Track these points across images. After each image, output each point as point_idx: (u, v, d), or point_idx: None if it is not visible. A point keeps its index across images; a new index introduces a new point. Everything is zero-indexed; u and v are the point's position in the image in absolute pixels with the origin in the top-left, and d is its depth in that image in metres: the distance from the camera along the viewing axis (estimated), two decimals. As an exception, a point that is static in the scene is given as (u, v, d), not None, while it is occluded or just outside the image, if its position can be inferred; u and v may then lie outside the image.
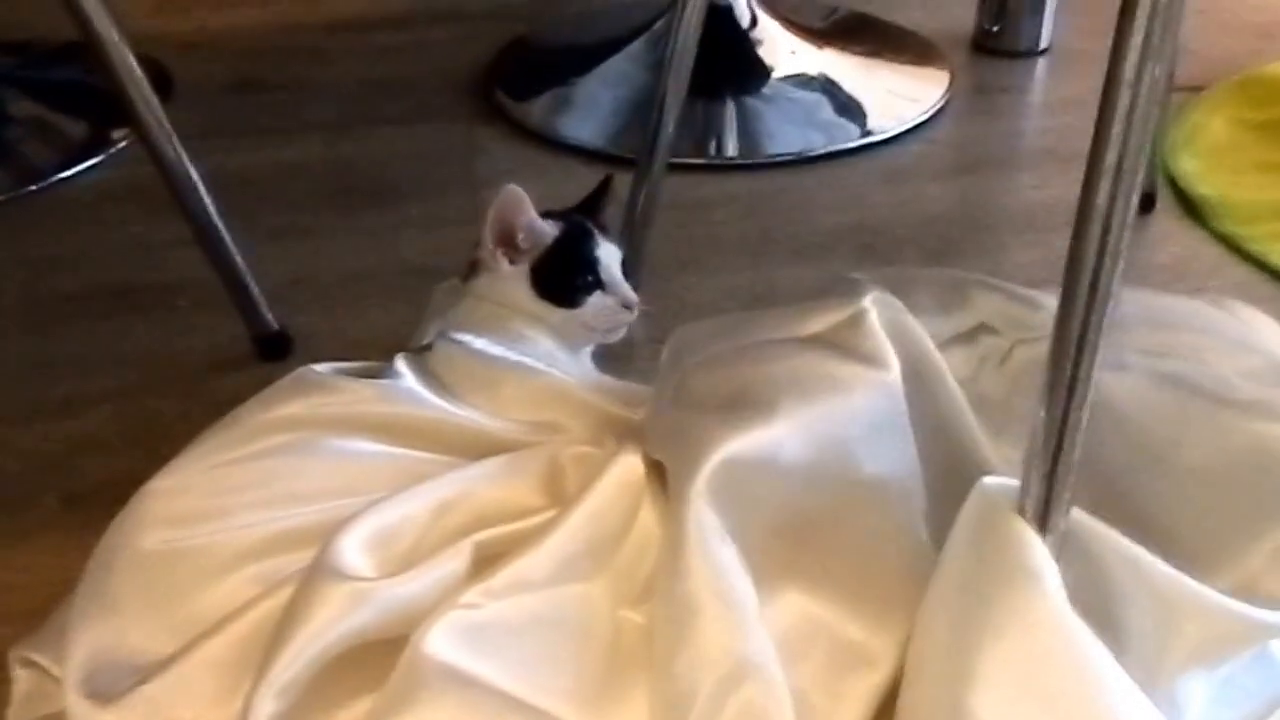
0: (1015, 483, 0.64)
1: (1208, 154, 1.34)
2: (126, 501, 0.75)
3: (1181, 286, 1.13)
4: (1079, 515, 0.64)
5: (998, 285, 0.90)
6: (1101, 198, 0.55)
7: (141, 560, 0.73)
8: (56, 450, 0.96)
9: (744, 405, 0.72)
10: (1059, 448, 0.59)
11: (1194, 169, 1.31)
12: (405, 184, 1.32)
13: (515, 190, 0.91)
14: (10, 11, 1.61)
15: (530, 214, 0.91)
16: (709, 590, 0.66)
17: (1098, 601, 0.64)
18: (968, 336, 0.87)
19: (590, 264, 0.92)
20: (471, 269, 0.93)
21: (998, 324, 0.88)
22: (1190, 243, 1.21)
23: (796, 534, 0.71)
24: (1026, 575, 0.61)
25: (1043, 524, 0.62)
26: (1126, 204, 0.55)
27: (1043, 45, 1.59)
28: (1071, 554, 0.63)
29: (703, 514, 0.68)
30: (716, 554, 0.67)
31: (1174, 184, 1.29)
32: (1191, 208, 1.25)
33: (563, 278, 0.91)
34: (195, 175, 1.00)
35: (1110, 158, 0.54)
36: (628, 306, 0.92)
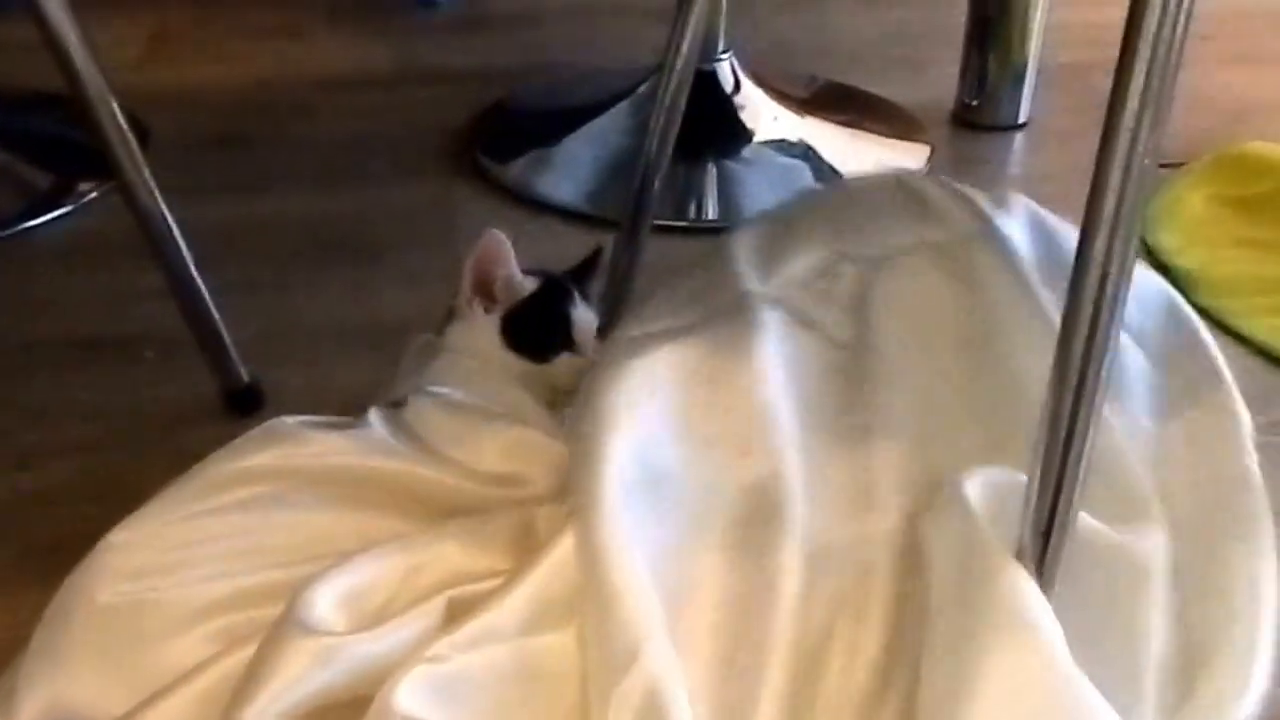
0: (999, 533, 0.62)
1: (1187, 229, 1.35)
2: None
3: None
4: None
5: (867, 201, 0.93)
6: (1099, 247, 0.54)
7: (98, 614, 0.70)
8: (15, 503, 0.92)
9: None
10: (1055, 501, 0.57)
11: (1173, 243, 1.31)
12: (384, 241, 1.31)
13: (497, 235, 0.90)
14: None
15: (511, 263, 0.91)
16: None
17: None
18: (826, 269, 0.87)
19: (563, 322, 0.91)
20: (447, 318, 0.92)
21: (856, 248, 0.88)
22: (1172, 314, 1.21)
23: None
24: (1024, 628, 0.60)
25: (1039, 571, 0.61)
26: (1125, 253, 0.54)
27: (1021, 120, 1.61)
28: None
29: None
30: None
31: (1154, 257, 1.30)
32: (1172, 280, 1.25)
33: (533, 332, 0.90)
34: (173, 225, 0.98)
35: (1109, 205, 0.54)
36: None
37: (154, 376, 1.07)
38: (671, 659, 0.63)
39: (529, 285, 0.92)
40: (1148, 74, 0.52)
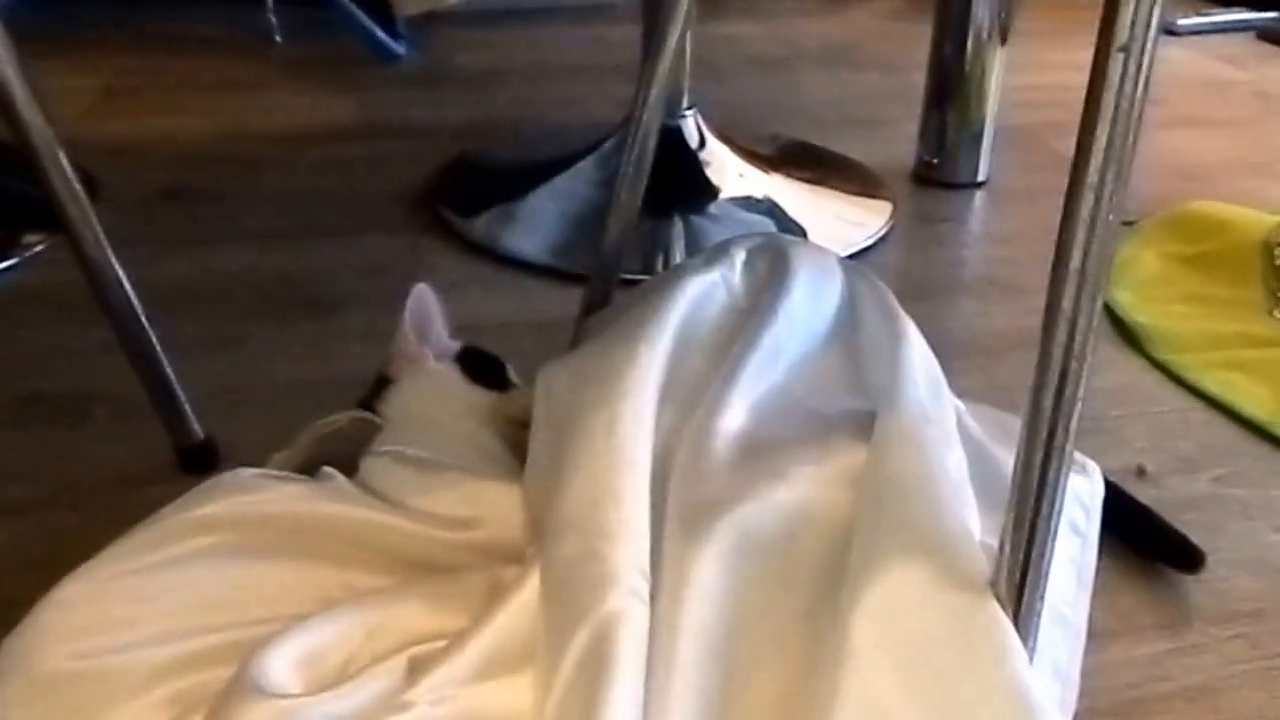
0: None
1: (1140, 285, 1.37)
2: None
3: (1122, 411, 1.14)
4: None
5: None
6: (1067, 301, 0.54)
7: (40, 684, 0.66)
8: (-48, 568, 0.89)
9: None
10: (1028, 554, 0.57)
11: (1128, 299, 1.33)
12: (344, 295, 1.30)
13: (426, 288, 0.94)
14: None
15: (440, 315, 0.95)
16: None
17: None
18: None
19: (502, 365, 0.95)
20: (378, 387, 0.92)
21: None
22: (1129, 370, 1.22)
23: None
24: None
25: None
26: (1092, 306, 0.54)
27: (980, 178, 1.63)
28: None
29: None
30: None
31: (1110, 312, 1.31)
32: (1128, 336, 1.27)
33: (487, 366, 0.94)
34: (123, 278, 0.96)
35: (1074, 261, 0.54)
36: None
37: (103, 434, 1.04)
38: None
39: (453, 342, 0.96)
40: (1111, 129, 0.52)
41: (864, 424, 0.77)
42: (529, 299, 1.29)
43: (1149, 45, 0.49)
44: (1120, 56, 0.49)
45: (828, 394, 0.84)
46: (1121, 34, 0.49)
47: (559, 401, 0.81)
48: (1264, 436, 1.10)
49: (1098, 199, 0.53)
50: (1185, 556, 0.91)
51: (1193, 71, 2.16)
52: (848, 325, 0.91)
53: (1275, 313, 1.30)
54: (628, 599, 0.65)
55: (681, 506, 0.72)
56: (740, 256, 0.93)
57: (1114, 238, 0.54)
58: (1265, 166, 1.74)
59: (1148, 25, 0.48)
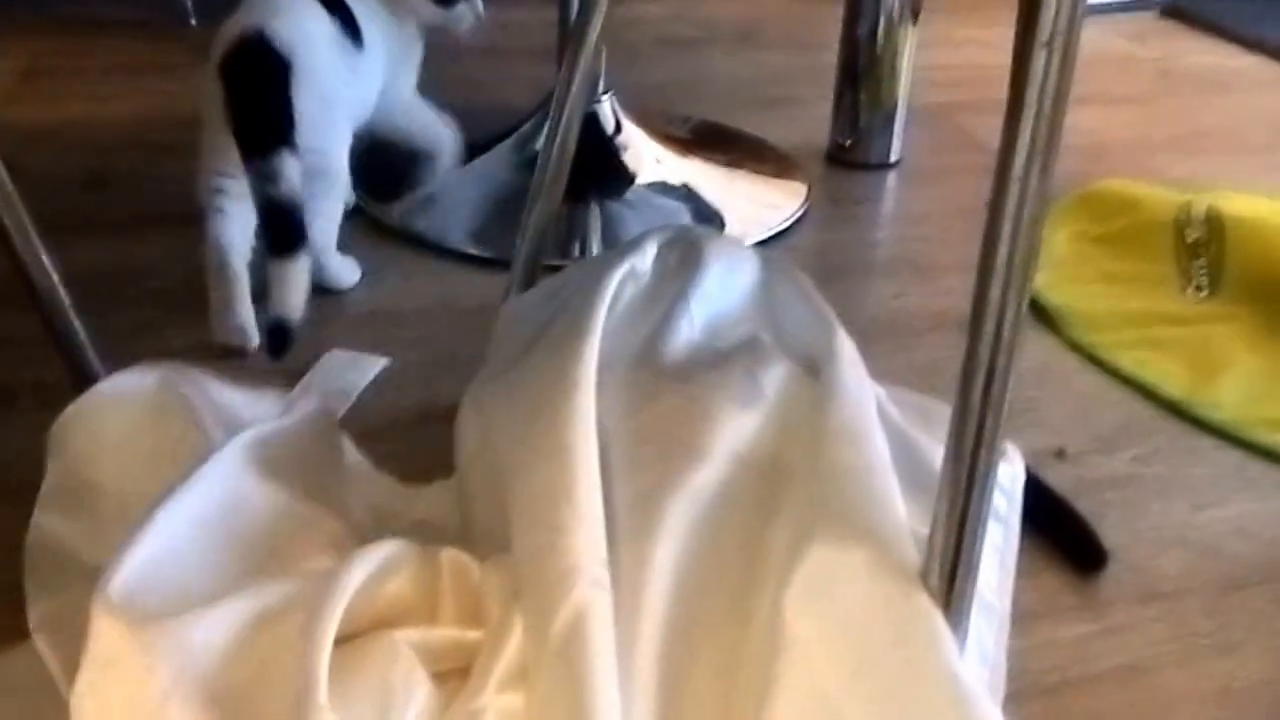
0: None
1: (1054, 266, 1.38)
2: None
3: (1039, 392, 1.15)
4: None
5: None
6: (995, 293, 0.55)
7: None
8: None
9: None
10: (959, 542, 0.58)
11: (1043, 280, 1.34)
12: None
13: None
14: None
15: None
16: None
17: None
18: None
19: None
20: None
21: None
22: (1045, 350, 1.24)
23: None
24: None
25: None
26: (1019, 298, 0.55)
27: (893, 159, 1.64)
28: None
29: None
30: None
31: (1025, 293, 1.33)
32: (1043, 316, 1.29)
33: None
34: (49, 265, 0.94)
35: (1001, 254, 0.55)
36: None
37: (30, 423, 1.00)
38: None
39: None
40: (1035, 123, 0.53)
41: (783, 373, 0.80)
42: (448, 285, 1.27)
43: (1072, 39, 0.50)
44: (1044, 52, 0.50)
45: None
46: (1044, 29, 0.49)
47: (495, 415, 0.81)
48: (1180, 415, 1.11)
49: (1023, 192, 0.54)
50: (1089, 555, 0.92)
51: (1097, 49, 2.19)
52: (761, 316, 0.92)
53: (1187, 291, 1.32)
54: (592, 590, 0.66)
55: (626, 493, 0.73)
56: (652, 250, 0.94)
57: (1040, 230, 0.55)
58: (1171, 143, 1.78)
59: (1070, 19, 0.49)
